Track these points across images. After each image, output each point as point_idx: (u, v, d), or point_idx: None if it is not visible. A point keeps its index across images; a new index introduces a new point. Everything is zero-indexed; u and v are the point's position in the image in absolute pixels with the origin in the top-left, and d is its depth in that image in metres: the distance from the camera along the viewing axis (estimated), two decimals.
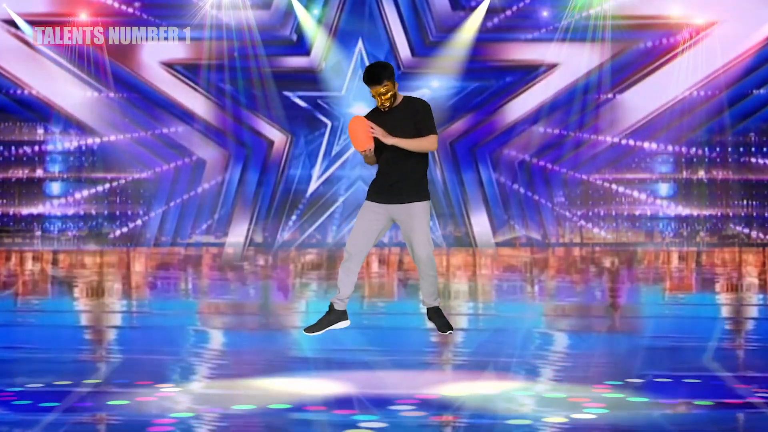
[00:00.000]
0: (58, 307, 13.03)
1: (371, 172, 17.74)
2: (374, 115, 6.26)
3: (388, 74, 6.13)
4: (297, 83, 18.06)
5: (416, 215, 6.26)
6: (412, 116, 6.20)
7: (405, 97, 6.28)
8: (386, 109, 6.15)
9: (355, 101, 17.69)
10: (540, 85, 17.99)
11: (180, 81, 18.05)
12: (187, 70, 18.04)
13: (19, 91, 18.07)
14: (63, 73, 17.85)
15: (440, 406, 6.95)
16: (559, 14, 17.70)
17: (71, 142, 18.34)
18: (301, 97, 18.21)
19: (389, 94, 6.12)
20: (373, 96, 6.16)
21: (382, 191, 6.31)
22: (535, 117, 18.05)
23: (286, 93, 18.14)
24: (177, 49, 17.93)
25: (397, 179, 6.25)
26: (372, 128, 6.04)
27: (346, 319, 6.32)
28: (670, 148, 18.15)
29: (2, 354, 9.09)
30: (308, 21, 17.69)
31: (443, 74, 18.05)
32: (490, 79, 18.07)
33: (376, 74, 6.13)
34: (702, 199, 18.20)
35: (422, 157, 6.25)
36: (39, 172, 18.48)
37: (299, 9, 17.59)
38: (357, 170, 18.25)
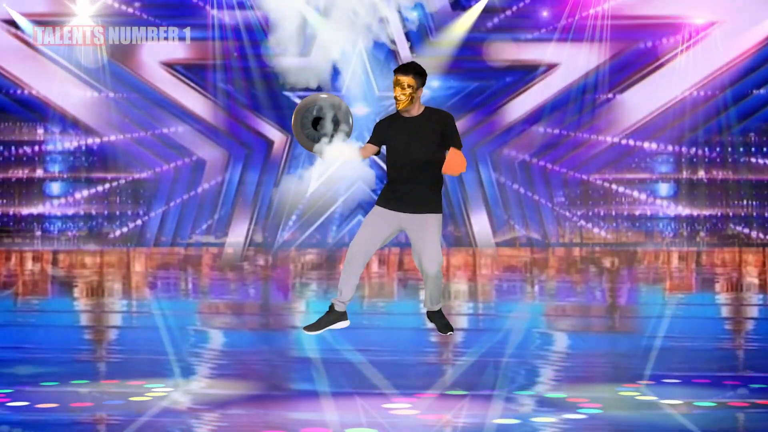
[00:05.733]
0: (58, 307, 13.03)
1: (371, 172, 17.76)
2: (394, 121, 6.13)
3: (416, 72, 6.04)
4: (296, 83, 18.05)
5: (429, 227, 6.14)
6: (437, 127, 6.08)
7: (427, 108, 6.17)
8: (399, 105, 6.03)
9: (356, 101, 17.69)
10: (540, 85, 17.99)
11: (180, 81, 18.05)
12: (187, 70, 18.04)
13: (19, 91, 18.07)
14: (63, 73, 17.86)
15: (440, 406, 6.94)
16: (560, 14, 17.70)
17: (71, 142, 18.33)
18: (301, 98, 18.21)
19: (408, 90, 6.01)
20: (394, 86, 6.05)
21: (397, 198, 6.16)
22: (535, 117, 18.05)
23: (286, 93, 18.14)
24: (177, 49, 17.93)
25: (413, 188, 6.12)
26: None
27: (346, 319, 6.30)
28: (670, 148, 18.15)
29: (2, 354, 9.09)
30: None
31: (443, 74, 18.05)
32: (490, 79, 18.08)
33: (406, 64, 6.07)
34: (702, 199, 18.20)
35: (438, 170, 6.13)
36: (39, 172, 18.48)
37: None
38: (357, 170, 18.24)
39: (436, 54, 18.07)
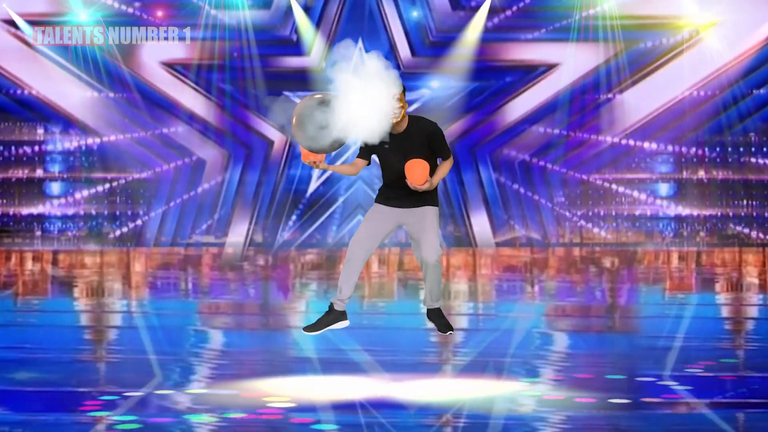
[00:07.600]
0: (58, 307, 13.03)
1: (371, 171, 17.76)
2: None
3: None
4: (297, 83, 18.07)
5: (428, 219, 6.19)
6: (425, 138, 6.06)
7: (411, 117, 6.13)
8: (396, 119, 5.98)
9: None
10: (540, 85, 18.00)
11: (180, 81, 18.06)
12: (187, 70, 18.05)
13: (19, 91, 18.08)
14: (63, 73, 17.86)
15: (440, 406, 6.95)
16: (560, 14, 17.70)
17: (71, 142, 18.34)
18: (301, 97, 18.20)
19: (400, 104, 5.97)
20: None
21: (395, 196, 6.20)
22: (535, 117, 18.05)
23: (286, 93, 18.14)
24: (177, 49, 17.94)
25: (409, 190, 6.12)
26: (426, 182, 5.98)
27: (346, 319, 6.30)
28: (670, 148, 18.15)
29: (2, 354, 9.09)
30: (304, 21, 17.69)
31: (443, 74, 18.05)
32: (490, 79, 18.08)
33: None
34: (702, 199, 18.21)
35: (432, 170, 6.13)
36: (39, 172, 18.48)
37: (297, 9, 17.60)
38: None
39: (436, 54, 18.07)
